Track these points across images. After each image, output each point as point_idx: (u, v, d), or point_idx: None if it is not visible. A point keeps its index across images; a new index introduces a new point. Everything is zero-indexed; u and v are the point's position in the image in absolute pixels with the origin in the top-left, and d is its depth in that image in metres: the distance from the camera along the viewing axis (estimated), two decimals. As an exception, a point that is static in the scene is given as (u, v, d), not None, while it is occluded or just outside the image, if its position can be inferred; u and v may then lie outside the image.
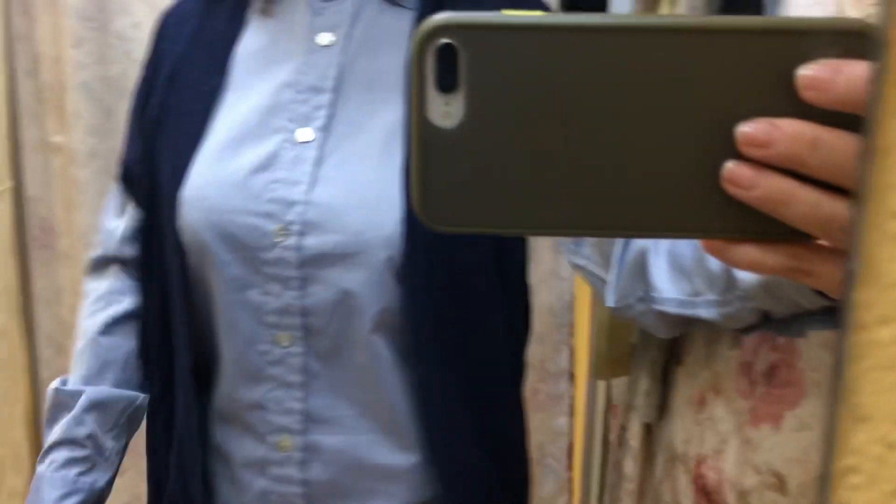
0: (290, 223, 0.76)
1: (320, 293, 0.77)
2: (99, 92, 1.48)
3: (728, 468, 0.69)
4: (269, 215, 0.76)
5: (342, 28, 0.82)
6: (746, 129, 0.34)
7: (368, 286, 0.76)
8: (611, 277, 0.73)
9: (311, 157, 0.77)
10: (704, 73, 0.34)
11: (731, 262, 0.37)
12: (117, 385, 0.89)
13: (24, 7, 1.49)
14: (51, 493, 0.82)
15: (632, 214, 0.36)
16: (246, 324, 0.79)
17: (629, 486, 1.01)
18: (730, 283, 0.63)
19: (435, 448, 0.80)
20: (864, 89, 0.31)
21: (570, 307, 1.64)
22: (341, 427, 0.80)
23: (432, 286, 0.77)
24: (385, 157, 0.77)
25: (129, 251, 0.91)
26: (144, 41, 1.51)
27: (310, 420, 0.80)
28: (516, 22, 0.35)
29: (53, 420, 0.86)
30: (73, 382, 0.88)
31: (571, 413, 1.66)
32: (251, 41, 0.85)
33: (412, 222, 0.74)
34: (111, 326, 0.90)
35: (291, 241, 0.76)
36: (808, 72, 0.33)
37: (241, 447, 0.83)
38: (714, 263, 0.63)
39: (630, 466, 1.01)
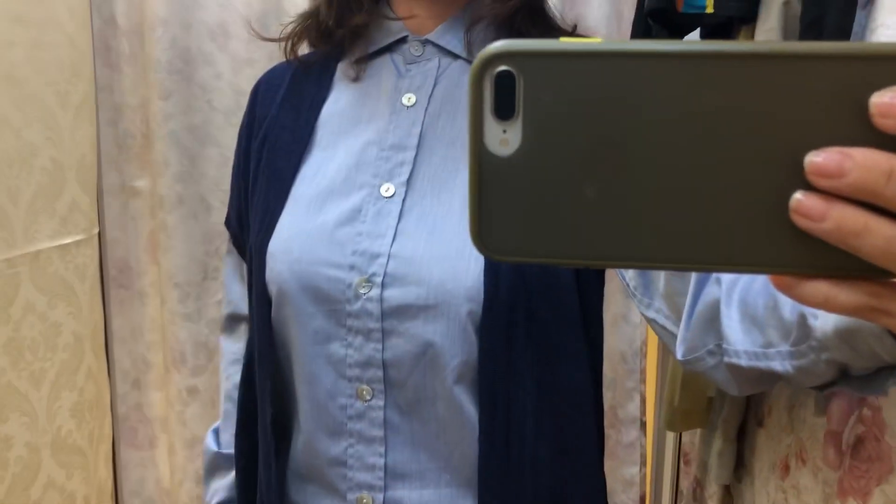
0: (373, 275, 0.76)
1: (402, 345, 0.77)
2: (184, 140, 1.54)
3: (814, 539, 0.68)
4: (352, 267, 0.77)
5: (426, 88, 0.84)
6: (816, 159, 0.32)
7: (450, 339, 0.76)
8: (680, 329, 0.71)
9: (394, 210, 0.78)
10: (772, 100, 0.33)
11: (801, 300, 0.35)
12: None
13: (106, 59, 1.56)
14: None
15: (695, 247, 0.35)
16: (327, 377, 0.79)
17: (707, 545, 0.99)
18: (804, 333, 0.58)
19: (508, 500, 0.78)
20: None
21: (641, 353, 1.62)
22: (422, 481, 0.79)
23: (511, 340, 0.76)
24: (466, 211, 0.77)
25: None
26: (224, 90, 1.58)
27: (390, 475, 0.79)
28: (574, 48, 0.34)
29: (211, 476, 1.00)
30: (224, 443, 0.99)
31: (643, 462, 1.63)
32: (337, 103, 0.88)
33: (493, 276, 0.74)
34: None
35: (374, 292, 0.76)
36: (884, 98, 0.31)
37: None
38: (787, 312, 0.60)
39: (708, 525, 0.99)
